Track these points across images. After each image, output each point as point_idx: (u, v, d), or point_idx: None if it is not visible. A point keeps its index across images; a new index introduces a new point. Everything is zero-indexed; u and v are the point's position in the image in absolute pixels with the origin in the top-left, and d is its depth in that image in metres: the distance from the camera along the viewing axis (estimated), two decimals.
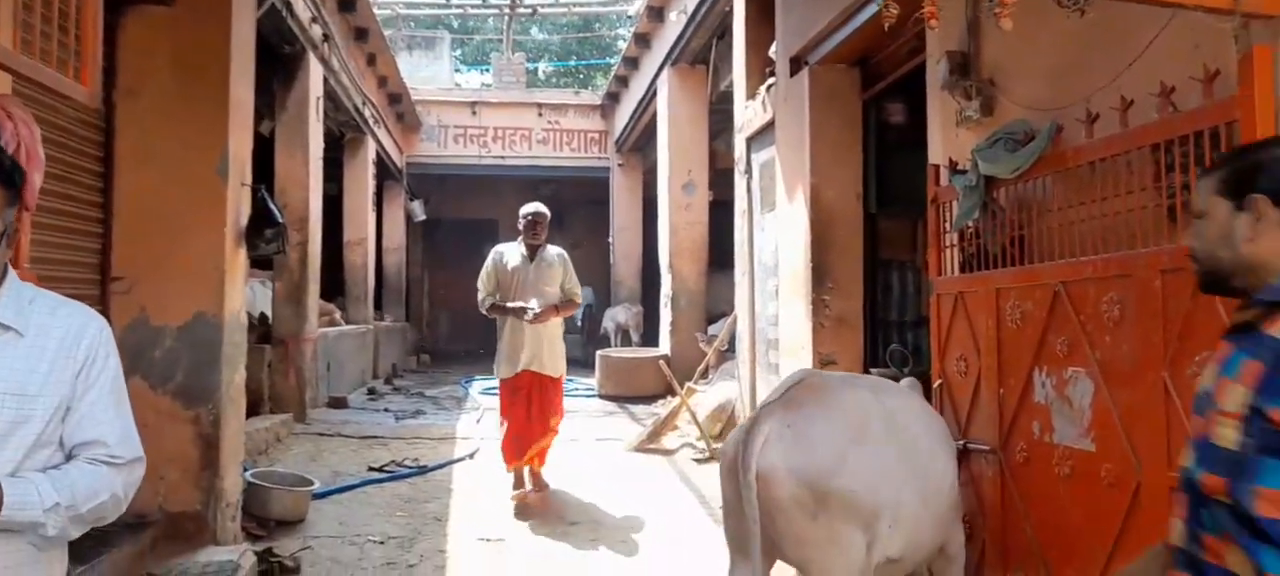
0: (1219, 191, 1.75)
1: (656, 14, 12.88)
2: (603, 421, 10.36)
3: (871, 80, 6.45)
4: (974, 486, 3.95)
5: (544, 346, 6.44)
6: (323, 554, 5.31)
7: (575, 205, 19.41)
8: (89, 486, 1.78)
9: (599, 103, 18.03)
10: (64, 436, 1.82)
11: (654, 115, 13.80)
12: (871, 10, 5.29)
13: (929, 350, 4.48)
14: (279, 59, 9.43)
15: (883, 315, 6.69)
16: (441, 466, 7.70)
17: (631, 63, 15.14)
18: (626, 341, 16.29)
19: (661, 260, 12.90)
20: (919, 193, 4.60)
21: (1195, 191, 1.88)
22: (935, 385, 4.25)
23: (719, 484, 3.44)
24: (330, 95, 10.66)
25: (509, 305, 6.43)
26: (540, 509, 6.37)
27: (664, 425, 8.84)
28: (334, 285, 13.53)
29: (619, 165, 17.55)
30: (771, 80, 7.43)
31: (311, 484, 6.26)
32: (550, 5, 22.99)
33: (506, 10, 21.23)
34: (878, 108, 6.55)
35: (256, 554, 4.95)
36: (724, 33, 10.32)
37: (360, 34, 12.12)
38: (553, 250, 6.68)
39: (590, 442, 8.82)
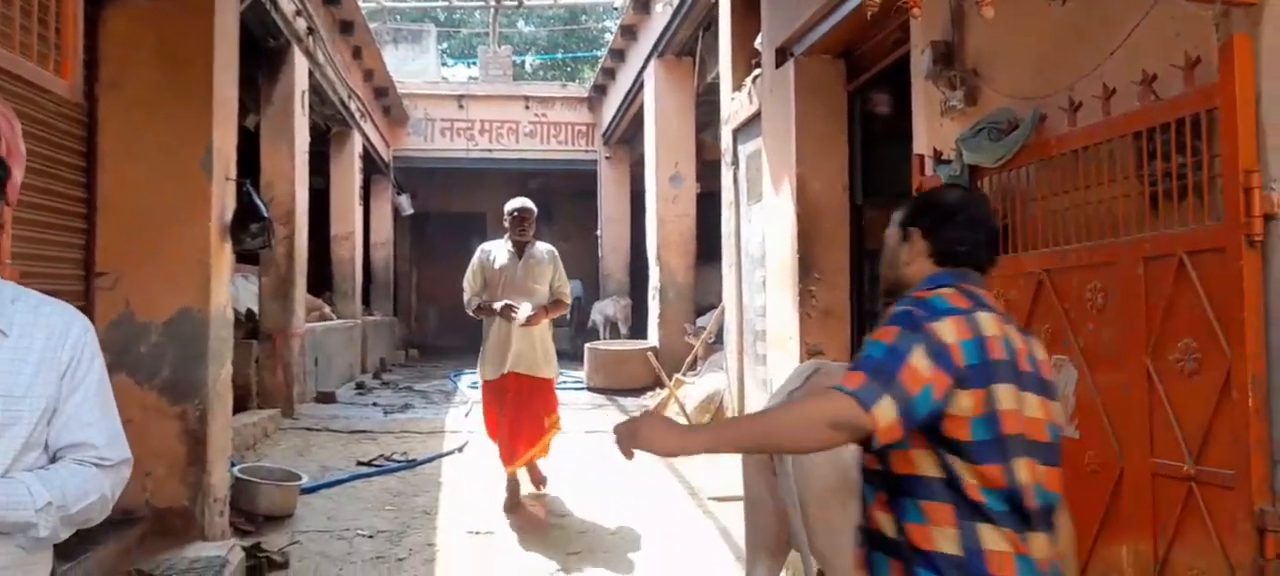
0: (897, 223, 2.20)
1: (643, 6, 12.87)
2: (591, 414, 10.37)
3: (856, 71, 6.46)
4: None
5: (535, 348, 6.14)
6: (311, 548, 5.31)
7: (563, 198, 19.39)
8: (79, 487, 1.76)
9: (586, 95, 18.01)
10: (49, 438, 1.79)
11: (641, 107, 13.80)
12: (855, 1, 5.30)
13: None
14: (263, 52, 9.39)
15: (869, 306, 6.70)
16: (430, 460, 7.70)
17: (618, 55, 15.13)
18: (615, 334, 16.31)
19: (649, 252, 12.91)
20: (905, 183, 4.62)
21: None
22: None
23: (743, 480, 3.42)
24: (316, 89, 10.61)
25: (495, 305, 6.13)
26: (530, 509, 6.31)
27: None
28: (321, 280, 13.49)
29: (606, 158, 17.54)
30: (757, 72, 7.44)
31: (299, 478, 6.25)
32: None
33: (493, 3, 21.18)
34: (863, 99, 6.56)
35: (244, 549, 4.94)
36: (710, 24, 10.32)
37: (345, 27, 12.07)
38: (542, 247, 6.41)
39: (579, 435, 8.81)
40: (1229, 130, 2.64)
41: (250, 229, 5.47)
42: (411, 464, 7.52)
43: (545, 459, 6.54)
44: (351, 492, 6.62)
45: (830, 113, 6.54)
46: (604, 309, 16.80)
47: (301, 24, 9.53)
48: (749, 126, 7.90)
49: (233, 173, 5.43)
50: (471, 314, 6.36)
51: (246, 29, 7.40)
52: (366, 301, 16.02)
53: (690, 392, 8.89)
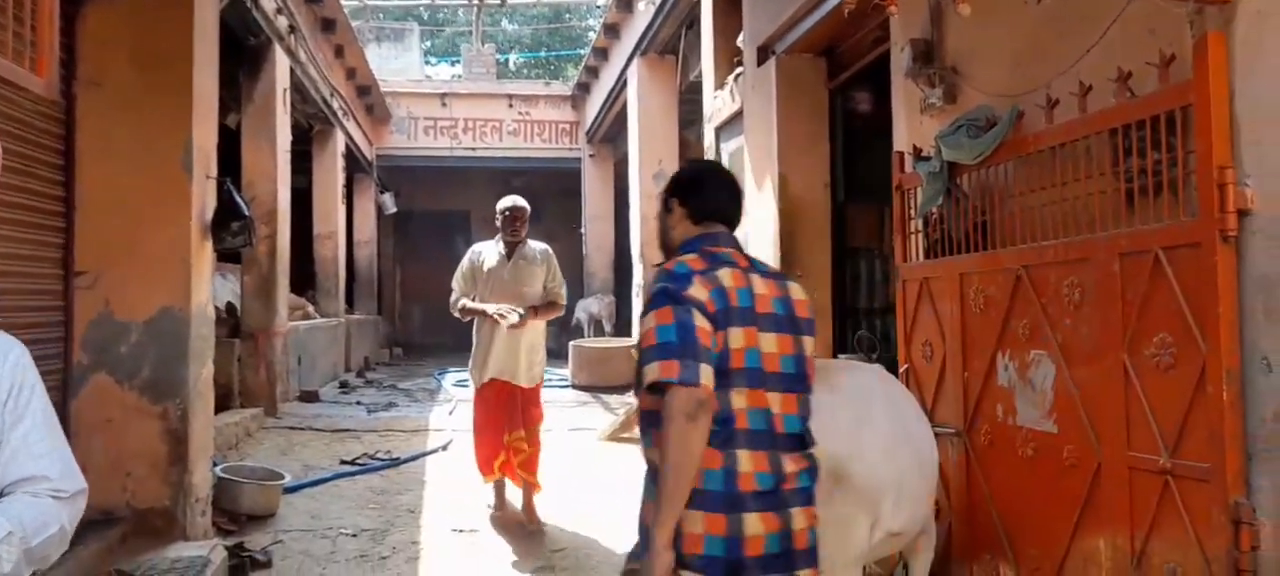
0: (660, 202, 2.59)
1: (626, 4, 12.88)
2: (576, 411, 10.38)
3: (838, 69, 6.49)
4: (940, 469, 3.99)
5: (520, 354, 5.82)
6: (294, 548, 5.29)
7: (546, 196, 19.29)
8: (37, 518, 1.64)
9: (569, 93, 17.99)
10: None
11: (624, 105, 13.80)
12: None
13: (897, 336, 4.52)
14: (244, 50, 9.34)
15: (851, 303, 6.74)
16: (414, 458, 7.68)
17: (601, 53, 15.13)
18: (599, 332, 16.31)
19: (633, 250, 12.91)
20: (886, 181, 4.64)
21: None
22: (902, 370, 4.29)
23: None
24: (297, 87, 10.56)
25: (485, 307, 5.80)
26: (514, 508, 6.08)
27: (637, 414, 8.85)
28: (305, 279, 13.44)
29: (590, 156, 17.54)
30: (740, 70, 7.46)
31: (282, 477, 6.22)
32: None
33: (476, 2, 21.12)
34: (844, 97, 6.59)
35: (227, 549, 4.91)
36: (693, 22, 10.32)
37: (327, 25, 12.02)
38: (535, 246, 6.06)
39: (564, 432, 8.82)
40: (1203, 127, 2.68)
41: (231, 227, 5.43)
42: (395, 462, 7.50)
43: (538, 493, 5.96)
44: (335, 491, 6.59)
45: (812, 111, 6.57)
46: (588, 307, 16.80)
47: (283, 22, 9.48)
48: (731, 124, 7.92)
49: (213, 171, 5.39)
50: (456, 315, 6.07)
51: (226, 27, 7.36)
52: (350, 300, 15.97)
53: None
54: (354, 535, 5.56)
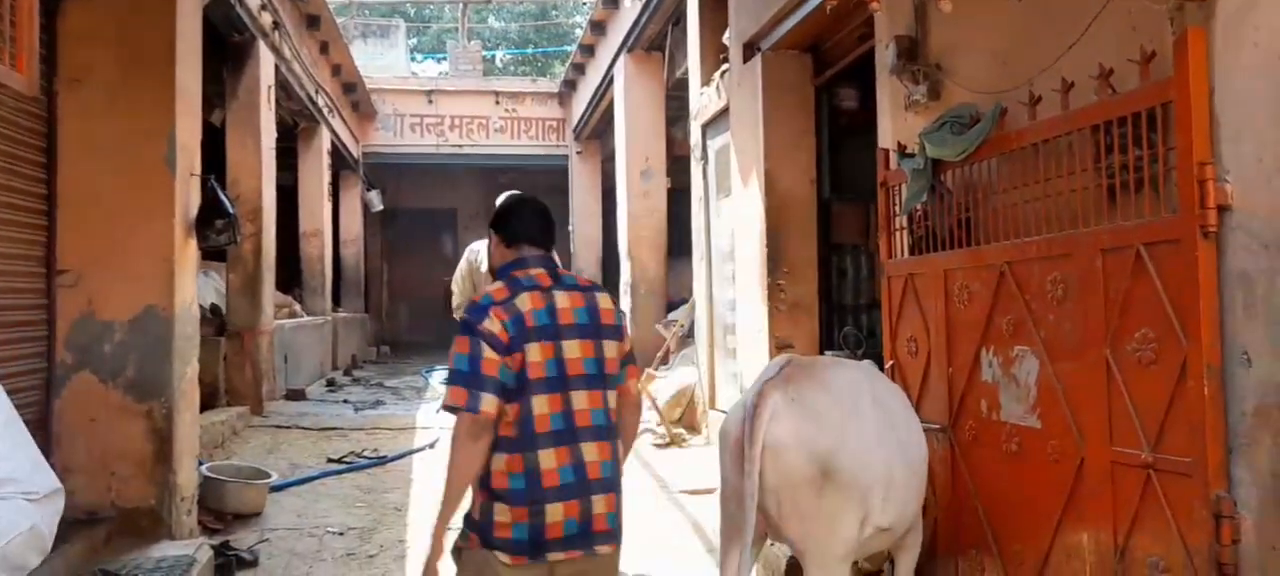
0: (491, 227, 2.90)
1: (612, 1, 12.85)
2: None
3: (823, 66, 6.50)
4: (926, 464, 4.01)
5: None
6: (281, 546, 5.28)
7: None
8: (6, 521, 1.65)
9: (556, 90, 17.95)
10: None
11: (611, 102, 13.78)
12: None
13: (882, 332, 4.54)
14: (228, 47, 9.29)
15: (837, 299, 6.75)
16: (401, 456, 7.67)
17: (588, 50, 15.09)
18: None
19: (621, 248, 12.90)
20: (871, 178, 4.65)
21: None
22: (888, 366, 4.31)
23: (719, 472, 3.43)
24: (282, 84, 10.52)
25: None
26: None
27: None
28: (291, 277, 13.38)
29: (577, 153, 17.50)
30: (726, 67, 7.46)
31: (269, 476, 6.20)
32: None
33: None
34: (830, 94, 6.60)
35: (213, 548, 4.90)
36: (679, 19, 10.32)
37: (312, 22, 11.97)
38: None
39: None
40: (1183, 123, 2.69)
41: (216, 225, 5.40)
42: (382, 460, 7.49)
43: None
44: (321, 490, 6.58)
45: (798, 107, 6.58)
46: None
47: (267, 18, 9.43)
48: (718, 121, 7.93)
49: (197, 168, 5.36)
50: (457, 319, 6.05)
51: (210, 23, 7.32)
52: (337, 298, 15.91)
53: (661, 386, 8.91)
54: (341, 533, 5.55)
